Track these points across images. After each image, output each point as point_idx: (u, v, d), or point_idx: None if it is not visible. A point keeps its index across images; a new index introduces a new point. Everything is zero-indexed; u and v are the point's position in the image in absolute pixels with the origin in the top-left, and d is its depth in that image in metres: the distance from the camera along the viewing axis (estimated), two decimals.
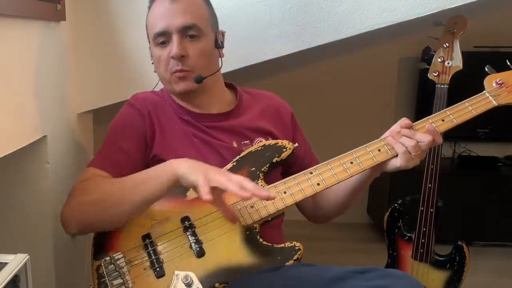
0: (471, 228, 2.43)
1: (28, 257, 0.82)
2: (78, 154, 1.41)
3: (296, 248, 0.99)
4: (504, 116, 2.60)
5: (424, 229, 1.52)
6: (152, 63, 1.13)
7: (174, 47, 1.04)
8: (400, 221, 1.59)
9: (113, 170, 1.04)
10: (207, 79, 1.08)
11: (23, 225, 1.22)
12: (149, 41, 1.12)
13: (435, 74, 1.48)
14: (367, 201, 2.77)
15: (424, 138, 0.97)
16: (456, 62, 1.46)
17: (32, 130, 1.11)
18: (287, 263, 0.97)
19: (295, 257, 0.98)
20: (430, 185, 1.51)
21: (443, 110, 1.03)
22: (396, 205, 1.60)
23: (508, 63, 1.07)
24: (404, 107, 2.68)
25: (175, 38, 1.04)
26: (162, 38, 1.06)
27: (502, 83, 1.03)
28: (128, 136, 1.07)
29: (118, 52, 1.39)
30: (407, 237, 1.57)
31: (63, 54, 1.29)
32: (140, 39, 1.38)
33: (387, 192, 2.42)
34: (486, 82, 1.05)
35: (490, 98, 1.02)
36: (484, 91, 1.04)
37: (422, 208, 1.53)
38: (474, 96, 1.04)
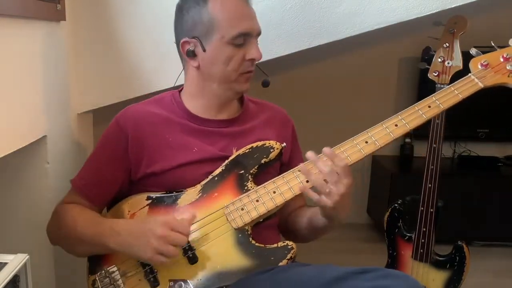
0: (471, 228, 2.42)
1: (28, 257, 0.82)
2: (78, 154, 1.41)
3: (289, 247, 0.99)
4: (504, 116, 2.62)
5: (424, 229, 1.52)
6: (191, 56, 1.06)
7: (258, 50, 1.05)
8: (400, 221, 1.59)
9: (93, 197, 1.09)
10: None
11: (23, 225, 1.22)
12: (198, 35, 1.04)
13: (435, 74, 1.48)
14: (367, 201, 2.77)
15: (324, 166, 0.94)
16: (456, 62, 1.46)
17: (32, 130, 1.11)
18: (280, 263, 0.97)
19: (288, 256, 0.97)
20: (430, 185, 1.51)
21: (429, 97, 1.01)
22: (396, 205, 1.60)
23: (493, 44, 1.06)
24: (404, 107, 2.66)
25: (254, 42, 1.06)
26: (242, 39, 1.04)
27: (487, 64, 1.02)
28: (109, 157, 1.08)
29: (118, 52, 1.39)
30: (407, 237, 1.57)
31: (63, 54, 1.29)
32: (140, 39, 1.38)
33: (387, 192, 2.42)
34: (471, 65, 1.04)
35: (476, 80, 1.00)
36: (470, 74, 1.02)
37: (422, 208, 1.53)
38: (459, 80, 1.02)
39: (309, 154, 0.97)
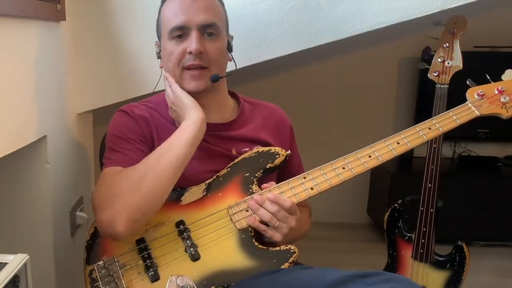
0: (471, 228, 2.43)
1: (28, 257, 0.82)
2: (78, 154, 1.41)
3: (291, 251, 0.99)
4: None
5: (424, 229, 1.52)
6: (158, 58, 1.13)
7: (193, 42, 1.03)
8: (400, 221, 1.59)
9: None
10: (215, 82, 1.08)
11: (23, 225, 1.22)
12: (158, 35, 1.12)
13: (435, 74, 1.48)
14: (367, 201, 2.77)
15: (272, 206, 0.99)
16: (456, 62, 1.46)
17: (32, 130, 1.11)
18: (282, 266, 0.97)
19: (290, 260, 0.98)
20: (430, 185, 1.51)
21: (429, 119, 1.09)
22: (396, 205, 1.60)
23: (488, 77, 1.13)
24: (404, 107, 2.68)
25: (194, 34, 1.03)
26: (179, 33, 1.04)
27: (483, 95, 1.10)
28: (131, 137, 1.06)
29: (118, 52, 1.39)
30: (407, 237, 1.57)
31: (63, 54, 1.29)
32: (140, 39, 1.38)
33: (387, 192, 2.42)
34: (468, 94, 1.12)
35: (473, 108, 1.09)
36: (467, 102, 1.11)
37: (422, 208, 1.53)
38: (457, 107, 1.10)
39: (256, 197, 1.00)
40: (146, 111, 1.10)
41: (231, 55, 1.14)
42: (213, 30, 1.05)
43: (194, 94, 1.07)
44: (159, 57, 1.13)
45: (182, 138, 0.98)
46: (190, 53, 1.03)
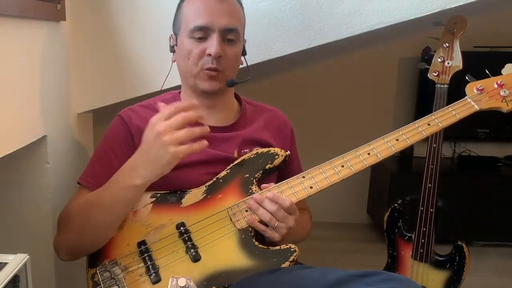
0: (471, 228, 2.43)
1: (28, 257, 0.82)
2: (78, 154, 1.41)
3: (292, 250, 0.99)
4: (504, 116, 2.61)
5: (424, 229, 1.52)
6: (171, 52, 1.14)
7: (215, 45, 1.03)
8: (400, 221, 1.59)
9: None
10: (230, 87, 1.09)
11: (23, 225, 1.22)
12: (175, 30, 1.12)
13: (435, 74, 1.48)
14: (367, 201, 2.77)
15: (271, 206, 0.99)
16: (456, 62, 1.46)
17: (32, 130, 1.11)
18: (283, 265, 0.97)
19: (290, 259, 0.98)
20: (430, 185, 1.51)
21: (428, 115, 1.08)
22: (396, 205, 1.60)
23: (487, 72, 1.13)
24: (404, 107, 2.68)
25: (215, 37, 1.04)
26: (200, 33, 1.05)
27: (483, 89, 1.10)
28: (118, 151, 1.07)
29: (118, 52, 1.39)
30: (407, 237, 1.57)
31: (63, 54, 1.29)
32: (140, 39, 1.38)
33: (387, 192, 2.42)
34: (467, 89, 1.12)
35: (472, 103, 1.08)
36: (466, 97, 1.10)
37: (422, 208, 1.52)
38: (457, 102, 1.10)
39: (255, 196, 1.01)
40: (145, 117, 1.07)
41: (245, 59, 1.16)
42: (233, 35, 1.07)
43: (206, 93, 1.09)
44: (172, 51, 1.14)
45: (123, 201, 0.95)
46: (209, 55, 1.04)
